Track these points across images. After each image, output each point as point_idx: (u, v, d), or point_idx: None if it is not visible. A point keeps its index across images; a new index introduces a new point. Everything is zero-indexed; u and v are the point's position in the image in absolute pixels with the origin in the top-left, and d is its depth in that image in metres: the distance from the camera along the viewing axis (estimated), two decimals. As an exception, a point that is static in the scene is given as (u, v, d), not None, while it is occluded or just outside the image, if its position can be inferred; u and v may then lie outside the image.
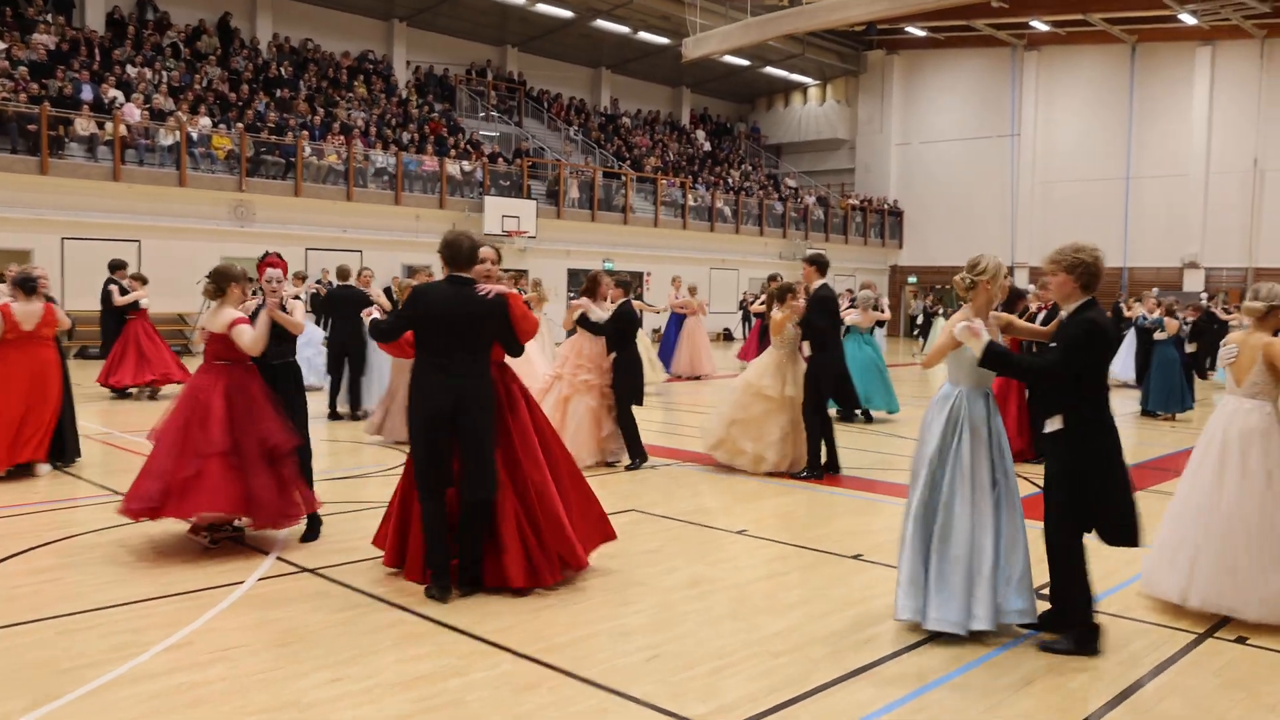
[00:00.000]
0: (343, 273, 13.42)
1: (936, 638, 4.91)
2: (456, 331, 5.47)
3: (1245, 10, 29.66)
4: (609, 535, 6.15)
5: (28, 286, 8.67)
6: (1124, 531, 4.71)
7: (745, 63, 36.79)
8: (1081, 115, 34.88)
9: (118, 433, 11.15)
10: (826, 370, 9.12)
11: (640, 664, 4.62)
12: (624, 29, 33.20)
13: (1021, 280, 31.89)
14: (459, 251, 5.63)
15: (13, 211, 19.92)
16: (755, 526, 7.30)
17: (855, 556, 6.50)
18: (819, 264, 9.49)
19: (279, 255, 6.66)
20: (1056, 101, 35.31)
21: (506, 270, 22.66)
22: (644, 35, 33.68)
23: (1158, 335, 14.45)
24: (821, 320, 9.05)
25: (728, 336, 32.14)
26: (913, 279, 37.20)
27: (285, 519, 6.36)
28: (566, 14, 31.71)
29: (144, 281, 14.43)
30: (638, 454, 9.35)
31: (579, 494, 6.03)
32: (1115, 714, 4.16)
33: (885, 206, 37.66)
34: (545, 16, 31.88)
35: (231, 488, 6.05)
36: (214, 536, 6.48)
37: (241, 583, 5.79)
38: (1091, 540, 4.76)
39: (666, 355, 18.84)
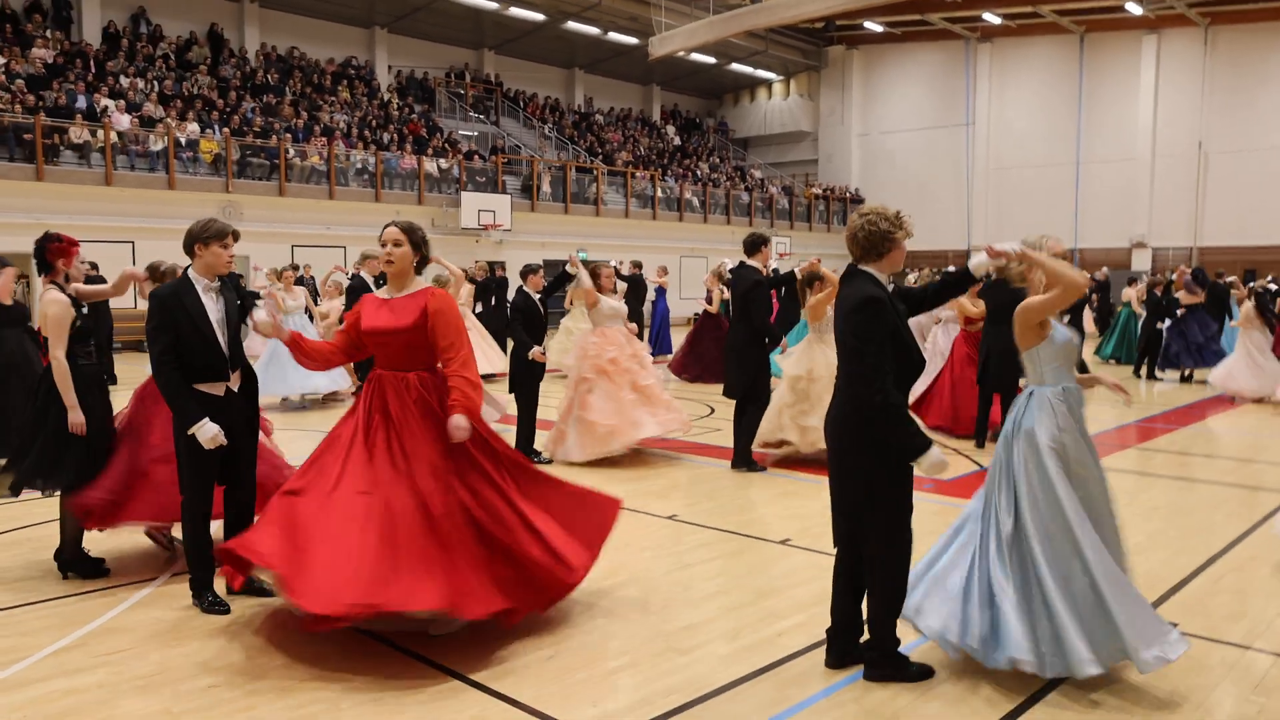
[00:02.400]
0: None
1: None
2: None
3: (1189, -1, 29.20)
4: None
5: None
6: None
7: (712, 60, 36.19)
8: (1033, 104, 34.38)
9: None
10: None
11: (536, 664, 4.14)
12: (594, 30, 32.57)
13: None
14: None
15: (11, 216, 19.51)
16: (686, 511, 6.81)
17: (783, 541, 6.03)
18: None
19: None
20: (1009, 91, 34.79)
21: (491, 261, 21.98)
22: (614, 36, 33.08)
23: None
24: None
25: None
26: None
27: None
28: (538, 17, 31.07)
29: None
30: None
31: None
32: (1042, 704, 3.70)
33: (847, 195, 37.13)
34: (518, 20, 31.24)
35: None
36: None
37: (155, 578, 5.31)
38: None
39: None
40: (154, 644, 4.38)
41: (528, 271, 8.75)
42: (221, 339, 4.72)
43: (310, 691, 3.89)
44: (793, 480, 7.89)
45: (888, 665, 3.90)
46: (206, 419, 4.59)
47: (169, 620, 4.67)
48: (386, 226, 4.72)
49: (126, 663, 4.18)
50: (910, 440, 3.69)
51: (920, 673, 3.92)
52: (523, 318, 8.45)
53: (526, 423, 8.49)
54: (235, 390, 4.84)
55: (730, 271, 8.89)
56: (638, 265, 19.22)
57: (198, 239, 4.72)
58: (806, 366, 8.30)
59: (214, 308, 4.73)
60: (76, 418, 5.10)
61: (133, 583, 5.25)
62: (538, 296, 8.64)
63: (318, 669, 4.09)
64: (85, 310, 5.27)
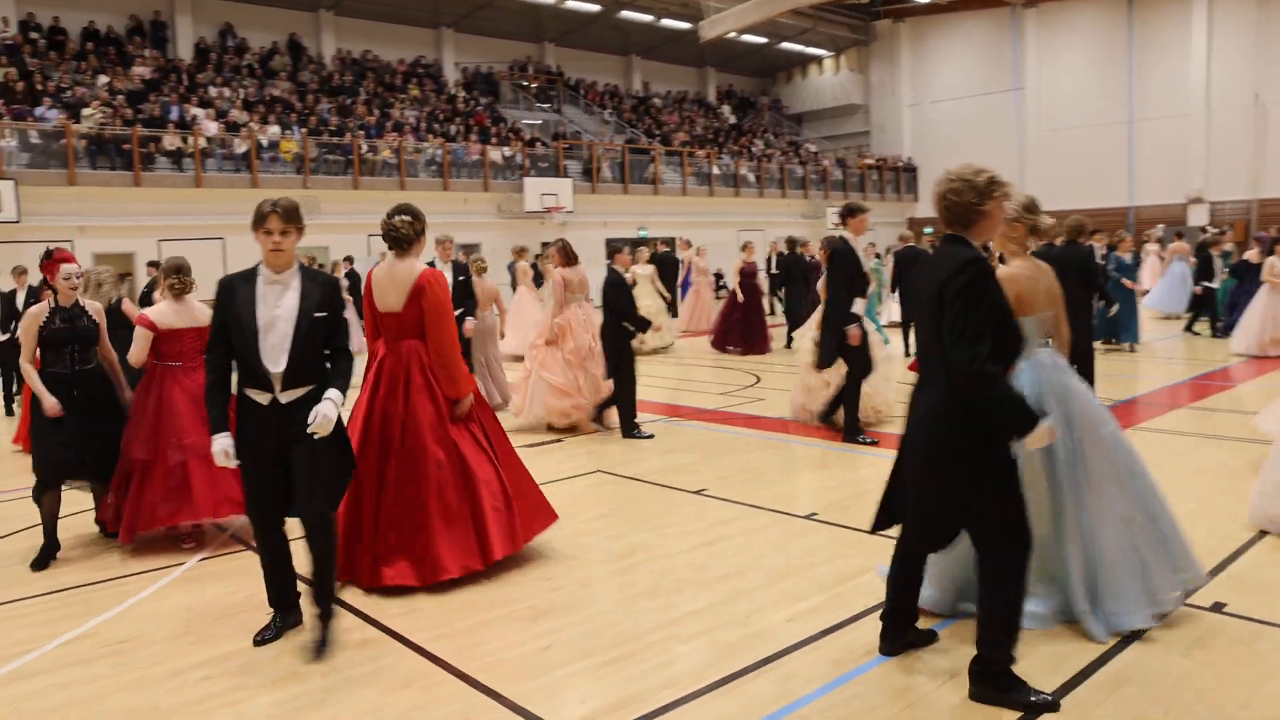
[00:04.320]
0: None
1: (860, 617, 3.93)
2: None
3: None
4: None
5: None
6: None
7: (763, 40, 35.08)
8: (1082, 64, 32.47)
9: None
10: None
11: (531, 655, 3.74)
12: (648, 17, 31.80)
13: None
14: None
15: (115, 220, 19.98)
16: (716, 485, 6.33)
17: (809, 516, 5.51)
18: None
19: (66, 250, 5.40)
20: (1057, 53, 32.92)
21: (548, 243, 21.83)
22: (666, 22, 32.26)
23: None
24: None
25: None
26: (928, 230, 35.30)
27: None
28: (594, 7, 30.45)
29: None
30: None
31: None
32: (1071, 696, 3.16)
33: (900, 164, 35.76)
34: (575, 12, 30.69)
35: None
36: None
37: (182, 564, 5.07)
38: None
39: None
40: (160, 635, 4.12)
41: (614, 251, 8.28)
42: (264, 342, 3.75)
43: (297, 685, 3.56)
44: (829, 450, 7.35)
45: (997, 685, 3.17)
46: (222, 433, 3.78)
47: (181, 610, 4.41)
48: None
49: (131, 653, 3.93)
50: (1019, 411, 2.96)
51: (1040, 703, 3.10)
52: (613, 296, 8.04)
53: (626, 402, 8.07)
54: (284, 404, 3.79)
55: (825, 241, 8.38)
56: (667, 244, 18.67)
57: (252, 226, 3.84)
58: None
59: (271, 305, 3.77)
60: (48, 402, 5.08)
61: (153, 570, 5.01)
62: (628, 276, 8.25)
63: (306, 659, 3.76)
64: (60, 322, 5.16)
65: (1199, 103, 30.29)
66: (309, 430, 3.69)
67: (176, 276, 5.49)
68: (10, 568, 5.12)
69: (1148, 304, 16.66)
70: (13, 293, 10.26)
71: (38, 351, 5.24)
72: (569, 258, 8.35)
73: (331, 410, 3.73)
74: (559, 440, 8.02)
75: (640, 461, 7.13)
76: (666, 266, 17.13)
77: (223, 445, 3.77)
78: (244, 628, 4.12)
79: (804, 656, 3.60)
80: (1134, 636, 3.60)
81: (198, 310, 5.52)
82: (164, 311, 5.46)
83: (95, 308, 5.36)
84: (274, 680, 3.61)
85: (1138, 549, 3.67)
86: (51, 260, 5.22)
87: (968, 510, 3.11)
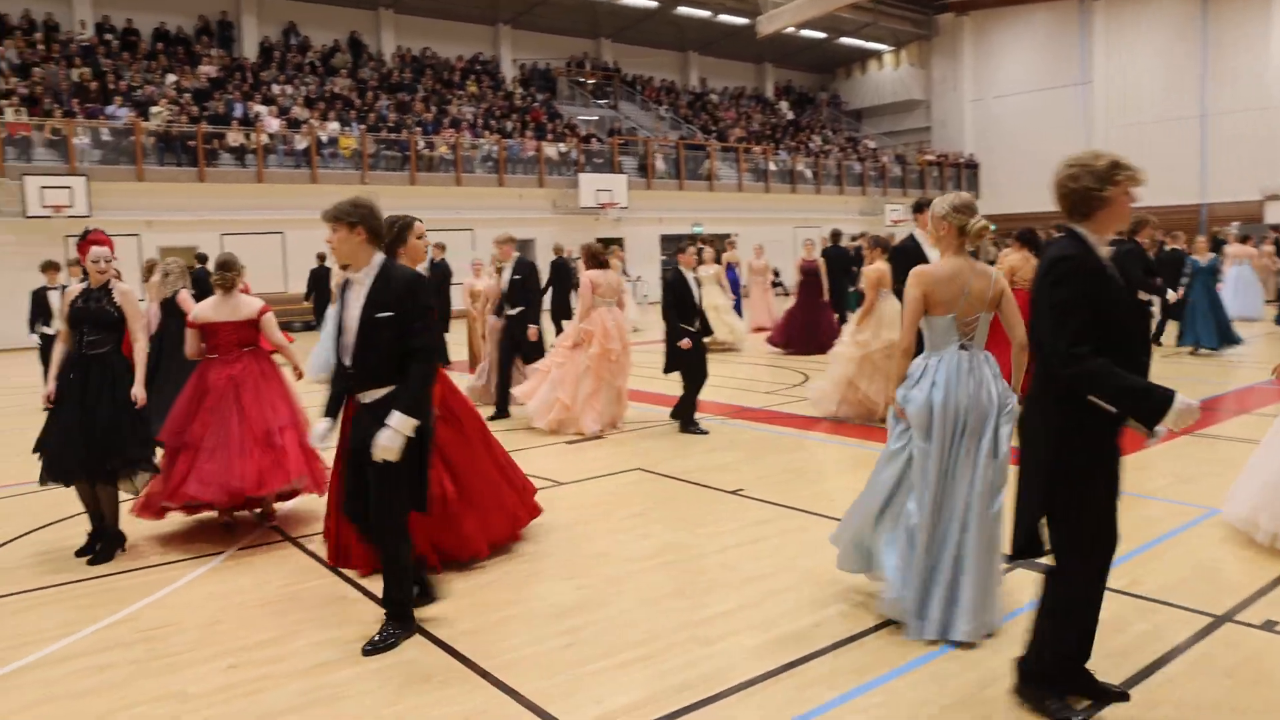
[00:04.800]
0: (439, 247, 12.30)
1: (889, 624, 3.83)
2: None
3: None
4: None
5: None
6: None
7: (821, 35, 34.66)
8: (1152, 57, 31.42)
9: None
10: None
11: (551, 653, 3.71)
12: (704, 13, 31.64)
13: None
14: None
15: (180, 215, 20.55)
16: (755, 485, 6.24)
17: (844, 515, 5.39)
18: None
19: (102, 231, 5.36)
20: (1127, 46, 31.90)
21: (604, 240, 21.93)
22: (723, 17, 32.06)
23: None
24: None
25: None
26: (992, 226, 34.47)
27: (318, 485, 5.52)
28: (650, 3, 30.39)
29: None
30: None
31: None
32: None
33: (961, 160, 35.05)
34: (631, 8, 30.67)
35: (299, 453, 5.40)
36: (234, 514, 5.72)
37: (221, 553, 5.16)
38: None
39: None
40: (194, 622, 4.18)
41: (679, 250, 8.19)
42: (342, 341, 3.80)
43: (320, 676, 3.58)
44: (875, 451, 7.20)
45: (1038, 688, 3.07)
46: (325, 418, 3.89)
47: (216, 598, 4.48)
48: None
49: (164, 639, 4.00)
50: (1139, 399, 2.74)
51: None
52: (674, 296, 7.95)
53: (687, 399, 8.11)
54: (365, 403, 3.80)
55: (871, 238, 8.55)
56: (703, 242, 18.48)
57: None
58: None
59: (350, 305, 3.80)
60: (48, 387, 5.17)
61: (193, 559, 5.10)
62: (692, 275, 8.05)
63: (338, 650, 3.79)
64: (81, 303, 5.10)
65: (1278, 95, 29.10)
66: (373, 455, 3.66)
67: (220, 272, 5.61)
68: (62, 554, 5.26)
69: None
70: (42, 290, 10.22)
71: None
72: (597, 260, 8.22)
73: (390, 439, 3.59)
74: (599, 438, 7.99)
75: (680, 459, 7.07)
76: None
77: (320, 428, 3.89)
78: (276, 617, 4.17)
79: (827, 663, 3.52)
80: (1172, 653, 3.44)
81: (241, 304, 5.62)
82: (204, 305, 5.61)
83: (124, 291, 5.18)
84: (299, 671, 3.64)
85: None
86: (84, 241, 5.20)
87: (1042, 506, 2.97)
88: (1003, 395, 3.71)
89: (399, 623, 3.86)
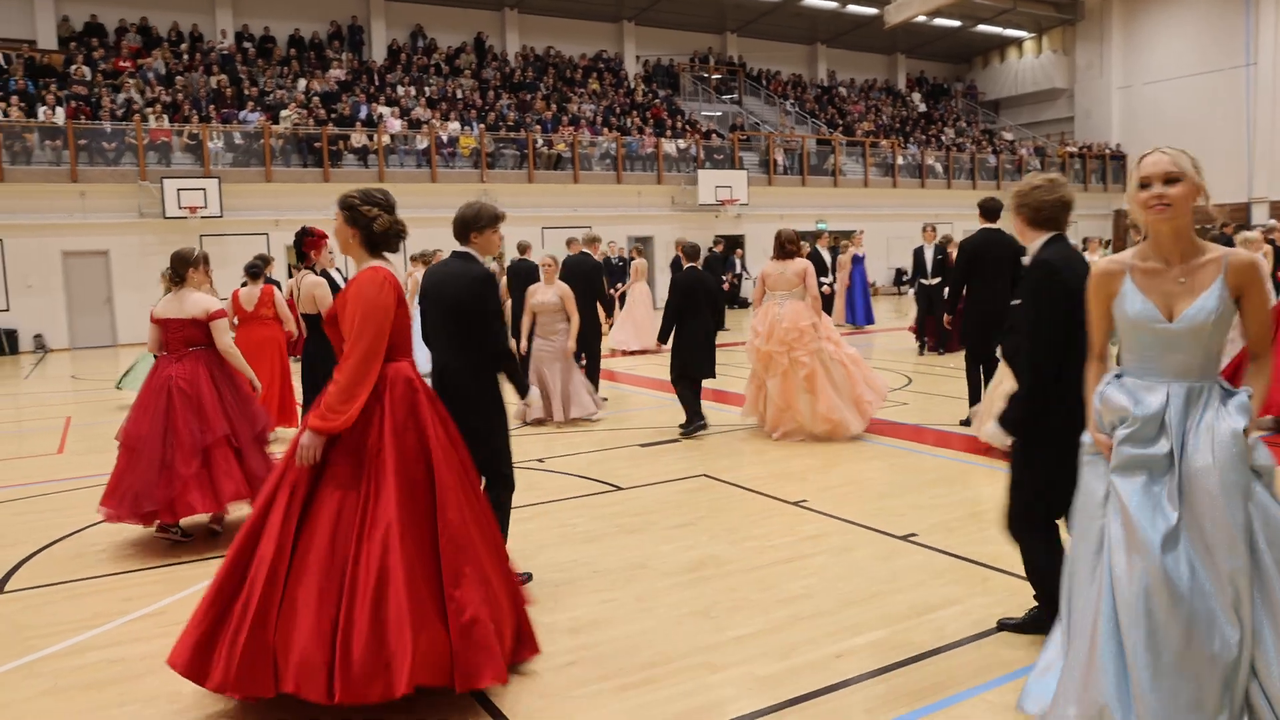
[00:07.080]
0: (522, 247, 12.34)
1: (918, 658, 3.47)
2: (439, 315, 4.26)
3: None
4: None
5: (252, 271, 8.53)
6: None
7: (956, 23, 33.18)
8: (1333, 35, 28.61)
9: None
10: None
11: (549, 671, 3.53)
12: (832, 4, 30.81)
13: (1260, 216, 26.84)
14: (459, 220, 4.35)
15: (306, 215, 21.29)
16: (818, 496, 5.89)
17: (906, 537, 5.01)
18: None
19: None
20: (1301, 24, 29.16)
21: (722, 236, 21.59)
22: (852, 8, 31.13)
23: None
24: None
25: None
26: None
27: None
28: (776, -4, 29.83)
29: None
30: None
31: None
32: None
33: (1106, 151, 32.87)
34: (756, 1, 30.19)
35: (236, 473, 5.25)
36: (184, 530, 5.45)
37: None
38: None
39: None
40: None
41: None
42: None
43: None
44: (956, 463, 6.72)
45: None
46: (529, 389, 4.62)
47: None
48: None
49: (187, 635, 4.03)
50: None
51: None
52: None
53: None
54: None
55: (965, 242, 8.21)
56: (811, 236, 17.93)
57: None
58: None
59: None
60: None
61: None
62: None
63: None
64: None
65: None
66: None
67: (169, 267, 5.55)
68: (126, 544, 5.45)
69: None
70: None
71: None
72: (784, 250, 7.64)
73: None
74: (675, 440, 7.79)
75: (748, 467, 6.79)
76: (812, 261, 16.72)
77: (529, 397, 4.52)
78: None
79: (837, 699, 3.21)
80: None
81: (189, 302, 5.45)
82: (162, 301, 5.57)
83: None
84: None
85: None
86: (313, 237, 5.99)
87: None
88: None
89: None
